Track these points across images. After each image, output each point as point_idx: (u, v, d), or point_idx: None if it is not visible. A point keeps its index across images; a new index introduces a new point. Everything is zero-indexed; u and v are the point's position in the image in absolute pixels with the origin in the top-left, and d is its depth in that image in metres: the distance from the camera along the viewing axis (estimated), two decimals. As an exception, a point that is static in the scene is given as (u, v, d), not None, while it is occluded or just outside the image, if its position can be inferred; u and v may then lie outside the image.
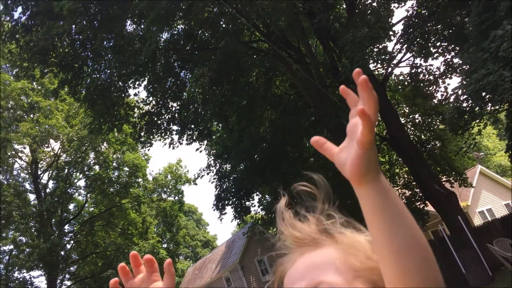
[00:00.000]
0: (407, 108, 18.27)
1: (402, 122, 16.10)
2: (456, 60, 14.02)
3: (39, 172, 24.65)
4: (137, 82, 14.36)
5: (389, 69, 14.42)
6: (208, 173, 16.58)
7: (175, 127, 15.55)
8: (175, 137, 15.74)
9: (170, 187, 27.52)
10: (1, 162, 23.12)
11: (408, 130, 17.26)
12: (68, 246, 24.02)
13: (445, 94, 15.26)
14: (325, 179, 0.82)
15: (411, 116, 18.07)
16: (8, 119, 21.85)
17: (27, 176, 25.01)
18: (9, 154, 23.23)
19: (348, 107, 0.66)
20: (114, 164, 25.25)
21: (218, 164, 16.36)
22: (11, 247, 24.48)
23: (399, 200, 0.63)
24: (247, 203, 15.69)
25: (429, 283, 0.59)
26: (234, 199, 15.46)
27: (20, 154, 24.50)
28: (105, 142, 23.83)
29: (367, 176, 0.62)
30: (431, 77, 15.53)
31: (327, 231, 0.79)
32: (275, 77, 16.42)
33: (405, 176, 17.90)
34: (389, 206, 0.61)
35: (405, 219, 0.61)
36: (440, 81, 15.29)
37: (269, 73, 15.42)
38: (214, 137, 16.79)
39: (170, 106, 15.44)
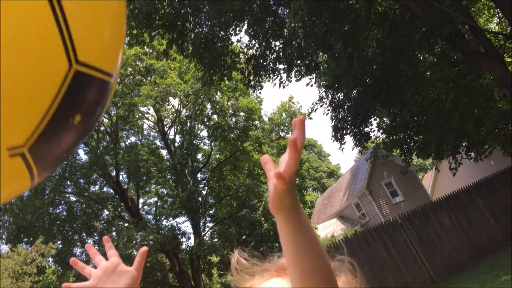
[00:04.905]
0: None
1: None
2: None
3: (166, 129, 26.61)
4: (237, 28, 14.48)
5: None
6: (321, 106, 16.48)
7: (281, 66, 15.53)
8: (284, 76, 15.79)
9: (286, 124, 27.92)
10: (132, 125, 25.39)
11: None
12: (204, 192, 26.00)
13: None
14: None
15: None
16: (130, 85, 23.64)
17: (156, 134, 27.19)
18: (137, 116, 25.35)
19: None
20: (230, 111, 26.25)
21: (330, 95, 16.15)
22: (155, 199, 27.37)
23: (310, 232, 0.74)
24: (365, 129, 15.45)
25: None
26: (351, 127, 15.31)
27: (146, 115, 26.60)
28: (218, 92, 24.75)
29: (281, 213, 0.72)
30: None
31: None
32: (375, -7, 15.41)
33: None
34: (297, 237, 0.73)
35: (309, 250, 0.73)
36: None
37: (368, -10, 14.49)
38: (321, 68, 16.50)
39: (273, 46, 15.41)
